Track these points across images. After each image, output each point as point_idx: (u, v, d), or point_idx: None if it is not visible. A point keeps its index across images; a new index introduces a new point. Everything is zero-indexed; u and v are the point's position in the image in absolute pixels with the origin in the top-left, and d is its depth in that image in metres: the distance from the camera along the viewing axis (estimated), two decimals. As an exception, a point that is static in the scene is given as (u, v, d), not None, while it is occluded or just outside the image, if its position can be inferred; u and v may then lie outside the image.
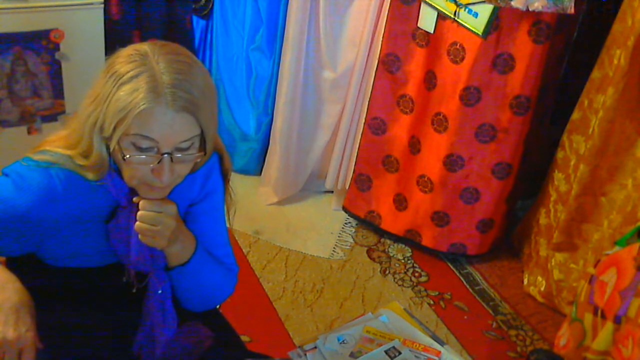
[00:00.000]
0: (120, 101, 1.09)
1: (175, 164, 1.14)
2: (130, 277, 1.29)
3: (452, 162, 2.65)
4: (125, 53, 1.13)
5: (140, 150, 1.12)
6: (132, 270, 1.28)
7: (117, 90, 1.09)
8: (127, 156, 1.12)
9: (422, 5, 2.49)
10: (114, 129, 1.11)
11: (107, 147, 1.17)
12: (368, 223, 3.00)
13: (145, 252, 1.26)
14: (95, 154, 1.16)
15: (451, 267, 2.87)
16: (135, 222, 1.21)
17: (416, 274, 2.79)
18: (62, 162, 1.18)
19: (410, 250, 2.92)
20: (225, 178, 1.40)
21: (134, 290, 1.30)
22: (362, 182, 2.94)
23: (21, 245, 1.20)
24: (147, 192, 1.19)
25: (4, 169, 1.20)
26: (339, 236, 2.98)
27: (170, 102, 1.09)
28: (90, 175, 1.18)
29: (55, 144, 1.21)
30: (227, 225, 1.45)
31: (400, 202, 2.86)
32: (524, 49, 2.40)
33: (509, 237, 3.01)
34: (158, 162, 1.12)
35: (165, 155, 1.12)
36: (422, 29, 2.54)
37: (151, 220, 1.18)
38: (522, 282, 2.79)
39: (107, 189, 1.21)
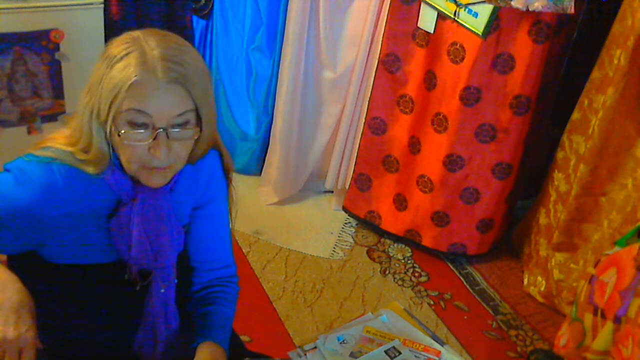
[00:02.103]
0: (112, 79, 1.11)
1: (172, 142, 1.14)
2: (131, 274, 1.29)
3: (452, 162, 2.65)
4: (118, 39, 1.16)
5: (136, 126, 1.12)
6: (133, 268, 1.28)
7: (110, 70, 1.12)
8: (123, 131, 1.12)
9: (422, 5, 2.50)
10: (109, 108, 1.12)
11: (107, 139, 1.17)
12: (368, 223, 3.00)
13: (147, 249, 1.26)
14: (95, 146, 1.17)
15: (451, 267, 2.87)
16: (137, 219, 1.22)
17: (416, 274, 2.79)
18: (63, 158, 1.19)
19: (410, 250, 2.92)
20: (226, 176, 1.40)
21: (137, 288, 1.30)
22: (362, 182, 2.94)
23: (22, 242, 1.20)
24: (148, 177, 1.19)
25: (6, 165, 1.20)
26: (339, 236, 2.98)
27: (161, 74, 1.10)
28: (91, 170, 1.19)
29: (56, 140, 1.21)
30: (230, 226, 1.45)
31: (400, 202, 2.86)
32: (524, 49, 2.40)
33: (509, 237, 3.01)
34: (154, 139, 1.13)
35: (161, 130, 1.12)
36: (422, 29, 2.54)
37: None
38: (522, 282, 2.79)
39: (109, 184, 1.21)
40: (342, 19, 2.82)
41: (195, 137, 1.18)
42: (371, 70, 2.79)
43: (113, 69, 1.11)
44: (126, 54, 1.11)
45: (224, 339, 1.35)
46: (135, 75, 1.09)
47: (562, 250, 2.61)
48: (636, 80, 2.27)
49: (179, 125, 1.14)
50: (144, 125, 1.12)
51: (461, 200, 2.73)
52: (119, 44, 1.14)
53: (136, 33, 1.16)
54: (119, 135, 1.13)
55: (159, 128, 1.12)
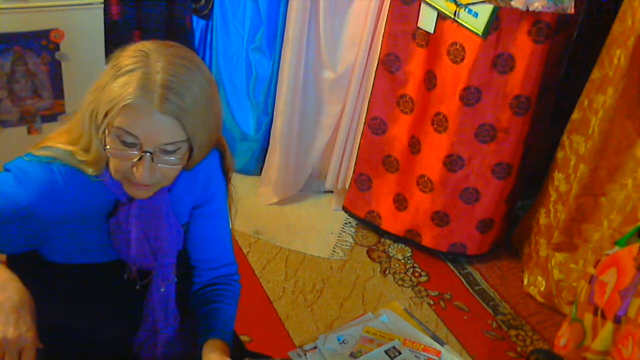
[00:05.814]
0: (112, 92, 1.10)
1: (157, 165, 1.13)
2: (131, 273, 1.29)
3: (452, 162, 2.65)
4: (132, 48, 1.14)
5: (124, 144, 1.12)
6: (133, 267, 1.28)
7: (113, 81, 1.10)
8: (108, 147, 1.12)
9: (422, 5, 2.50)
10: (103, 118, 1.11)
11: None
12: (368, 223, 3.00)
13: (146, 249, 1.26)
14: (94, 146, 1.16)
15: (451, 267, 2.87)
16: (135, 219, 1.22)
17: (416, 274, 2.79)
18: (63, 158, 1.19)
19: (410, 250, 2.92)
20: (226, 177, 1.40)
21: (137, 287, 1.30)
22: (362, 182, 2.94)
23: (22, 241, 1.20)
24: (130, 189, 1.18)
25: (6, 164, 1.20)
26: (339, 236, 2.98)
27: (157, 103, 1.08)
28: (90, 170, 1.19)
29: (57, 139, 1.21)
30: (230, 224, 1.45)
31: (400, 202, 2.86)
32: (524, 49, 2.40)
33: (509, 237, 3.01)
34: (139, 159, 1.12)
35: (147, 153, 1.11)
36: (422, 29, 2.54)
37: None
38: (522, 282, 2.79)
39: (107, 185, 1.21)
40: (342, 19, 2.82)
41: (182, 165, 1.17)
42: (371, 70, 2.79)
43: (116, 81, 1.10)
44: (131, 70, 1.09)
45: (228, 338, 1.35)
46: (130, 98, 1.08)
47: (562, 250, 2.61)
48: (636, 80, 2.27)
49: (167, 152, 1.13)
50: (131, 145, 1.11)
51: (461, 200, 2.73)
52: (130, 55, 1.12)
53: (149, 47, 1.13)
54: (104, 149, 1.13)
55: (146, 151, 1.11)
